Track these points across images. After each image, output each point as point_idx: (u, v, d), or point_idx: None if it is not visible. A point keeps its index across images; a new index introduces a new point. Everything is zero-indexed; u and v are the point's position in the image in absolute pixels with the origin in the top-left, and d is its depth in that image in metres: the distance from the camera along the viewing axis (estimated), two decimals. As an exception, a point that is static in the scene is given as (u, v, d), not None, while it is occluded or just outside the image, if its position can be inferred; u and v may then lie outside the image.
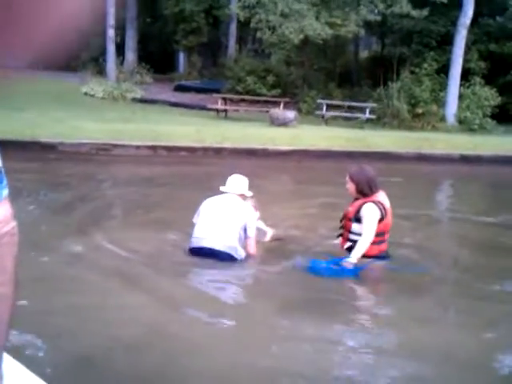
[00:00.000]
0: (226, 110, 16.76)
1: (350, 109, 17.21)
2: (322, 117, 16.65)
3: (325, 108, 16.76)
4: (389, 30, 21.85)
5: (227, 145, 11.28)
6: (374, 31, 23.05)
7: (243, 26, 21.99)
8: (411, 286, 4.44)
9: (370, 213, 4.50)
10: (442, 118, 17.09)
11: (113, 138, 10.84)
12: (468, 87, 17.62)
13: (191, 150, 10.93)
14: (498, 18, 18.96)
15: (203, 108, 17.26)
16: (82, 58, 24.60)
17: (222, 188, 4.81)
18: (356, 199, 4.67)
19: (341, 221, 4.81)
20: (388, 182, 9.97)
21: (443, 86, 17.52)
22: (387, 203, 4.59)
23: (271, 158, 11.16)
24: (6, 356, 2.26)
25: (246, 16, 18.58)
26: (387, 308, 4.05)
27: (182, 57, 26.19)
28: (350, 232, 4.64)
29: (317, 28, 17.07)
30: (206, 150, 11.03)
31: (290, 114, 14.59)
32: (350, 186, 4.65)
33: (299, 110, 16.87)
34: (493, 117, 17.35)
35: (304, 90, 19.40)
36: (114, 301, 3.85)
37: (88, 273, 4.33)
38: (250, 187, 4.94)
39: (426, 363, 3.12)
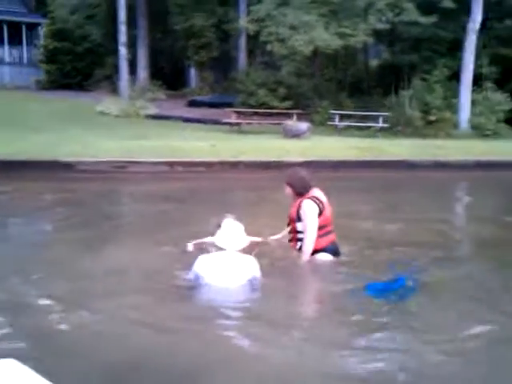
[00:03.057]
0: (239, 124, 16.88)
1: (363, 118, 17.25)
2: (336, 127, 16.72)
3: (338, 118, 16.82)
4: (398, 38, 21.86)
5: (243, 158, 11.37)
6: (383, 39, 23.10)
7: (252, 39, 22.18)
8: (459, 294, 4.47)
9: (308, 208, 4.74)
10: (456, 125, 17.06)
11: (129, 155, 10.99)
12: (480, 93, 17.59)
13: (207, 165, 11.03)
14: (507, 22, 18.90)
15: (217, 122, 17.39)
16: (95, 76, 24.98)
17: (216, 241, 4.42)
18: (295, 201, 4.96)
19: (288, 225, 5.03)
20: (404, 189, 10.10)
21: (455, 93, 17.49)
22: (323, 197, 4.87)
23: (286, 170, 11.21)
24: (22, 366, 2.33)
25: (256, 29, 18.76)
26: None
27: (193, 72, 26.43)
28: (297, 232, 4.87)
29: (326, 39, 17.17)
30: (222, 164, 11.13)
31: (303, 126, 14.68)
32: (288, 191, 4.93)
33: (312, 121, 16.91)
34: (506, 122, 17.29)
35: (315, 101, 19.49)
36: (132, 317, 3.84)
37: (104, 291, 4.33)
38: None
39: None
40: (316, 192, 4.87)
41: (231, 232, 4.44)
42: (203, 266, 4.33)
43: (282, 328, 3.71)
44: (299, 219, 4.81)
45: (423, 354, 3.35)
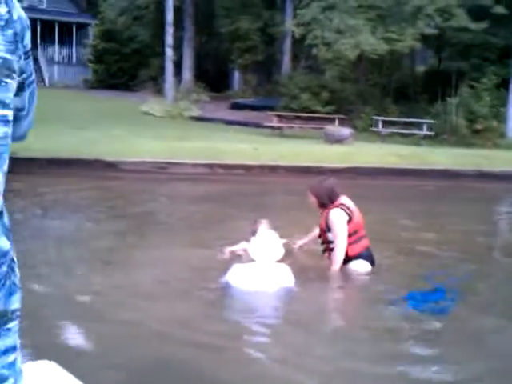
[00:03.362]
0: (280, 128, 16.86)
1: (407, 125, 16.97)
2: (379, 133, 16.50)
3: (381, 125, 16.60)
4: (446, 44, 21.48)
5: (282, 163, 11.33)
6: (431, 45, 22.72)
7: (297, 42, 22.15)
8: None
9: (336, 217, 4.69)
10: (503, 135, 16.60)
11: (171, 156, 11.10)
12: (530, 102, 17.08)
13: (247, 168, 11.02)
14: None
15: (258, 126, 17.45)
16: (140, 77, 25.43)
17: (250, 251, 4.48)
18: (322, 211, 4.90)
19: (319, 236, 5.00)
20: (446, 199, 9.87)
21: (504, 101, 17.03)
22: (351, 204, 4.79)
23: (326, 175, 11.13)
24: (57, 366, 2.34)
25: (302, 33, 18.73)
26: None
27: (236, 75, 26.59)
28: (329, 242, 4.84)
29: (373, 43, 17.00)
30: (261, 167, 11.11)
31: (346, 131, 14.53)
32: (312, 200, 4.86)
33: (354, 127, 16.73)
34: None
35: (358, 107, 19.29)
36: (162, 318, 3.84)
37: (134, 294, 4.31)
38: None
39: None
40: (343, 199, 4.82)
41: (265, 244, 4.42)
42: (237, 275, 4.31)
43: (310, 349, 3.50)
44: (329, 229, 4.77)
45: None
